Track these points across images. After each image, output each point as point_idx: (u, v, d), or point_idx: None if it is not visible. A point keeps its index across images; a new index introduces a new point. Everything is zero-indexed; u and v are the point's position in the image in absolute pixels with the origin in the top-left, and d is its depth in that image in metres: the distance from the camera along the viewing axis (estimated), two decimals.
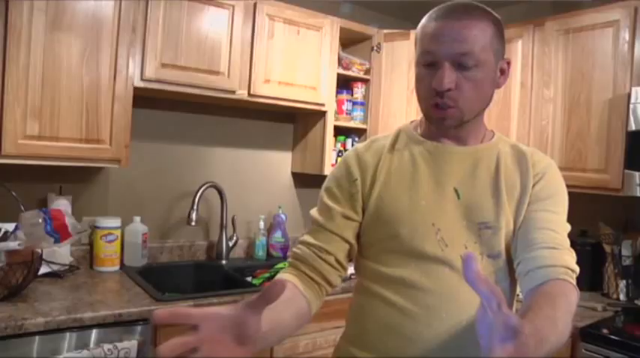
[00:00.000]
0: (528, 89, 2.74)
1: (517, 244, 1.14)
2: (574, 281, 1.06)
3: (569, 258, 1.09)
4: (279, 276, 1.16)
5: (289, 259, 1.23)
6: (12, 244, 1.86)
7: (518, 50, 2.76)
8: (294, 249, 1.23)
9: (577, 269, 1.08)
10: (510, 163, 1.20)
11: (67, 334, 1.79)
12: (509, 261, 1.15)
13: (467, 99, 1.11)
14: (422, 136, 1.24)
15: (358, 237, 1.23)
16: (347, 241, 1.21)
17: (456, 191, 1.16)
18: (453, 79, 1.09)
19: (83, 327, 1.82)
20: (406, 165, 1.20)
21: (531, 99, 2.73)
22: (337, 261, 1.20)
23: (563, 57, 2.58)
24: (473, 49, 1.08)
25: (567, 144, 2.57)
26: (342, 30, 2.94)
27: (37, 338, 1.74)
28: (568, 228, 1.16)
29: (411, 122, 1.31)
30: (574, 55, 2.55)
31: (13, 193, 2.06)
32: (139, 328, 1.93)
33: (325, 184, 1.28)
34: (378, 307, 1.15)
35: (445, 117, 1.13)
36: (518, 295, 1.19)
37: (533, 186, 1.16)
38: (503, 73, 1.18)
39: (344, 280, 1.25)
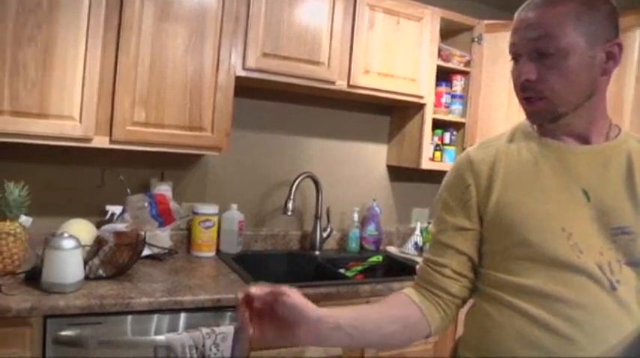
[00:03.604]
0: None
1: None
2: None
3: None
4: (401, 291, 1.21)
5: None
6: (120, 226, 1.95)
7: (636, 41, 2.56)
8: (417, 266, 1.25)
9: None
10: None
11: (167, 315, 1.85)
12: None
13: (554, 89, 1.04)
14: (538, 133, 1.16)
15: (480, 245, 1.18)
16: (462, 252, 1.17)
17: (585, 193, 1.06)
18: (532, 69, 1.05)
19: (182, 310, 1.87)
20: (527, 165, 1.13)
21: None
22: (454, 271, 1.17)
23: None
24: (548, 33, 1.03)
25: None
26: (442, 20, 2.86)
27: (136, 317, 1.81)
28: None
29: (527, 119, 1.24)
30: None
31: (121, 177, 2.15)
32: (235, 314, 1.95)
33: (439, 193, 1.26)
34: (510, 317, 1.07)
35: (535, 110, 1.09)
36: None
37: None
38: (613, 57, 1.07)
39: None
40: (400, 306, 1.15)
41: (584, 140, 1.12)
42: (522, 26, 1.07)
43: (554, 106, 1.06)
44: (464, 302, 1.20)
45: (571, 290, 1.01)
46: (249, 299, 0.97)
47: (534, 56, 1.05)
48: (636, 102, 2.57)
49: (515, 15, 1.11)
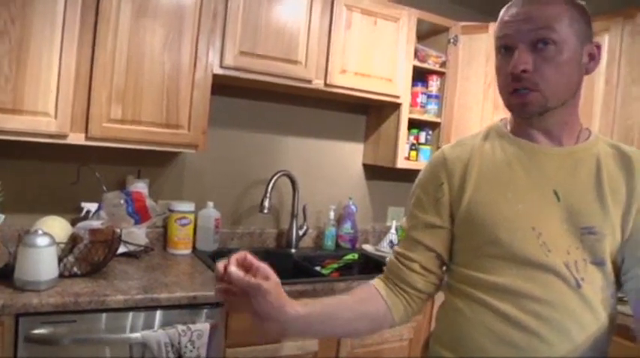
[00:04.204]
0: (614, 86, 2.60)
1: (626, 257, 1.07)
2: None
3: None
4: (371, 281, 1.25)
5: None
6: (96, 223, 1.94)
7: (605, 44, 2.62)
8: (387, 258, 1.28)
9: None
10: (613, 165, 1.12)
11: (142, 313, 1.84)
12: (613, 268, 1.08)
13: (548, 82, 1.06)
14: (512, 134, 1.18)
15: (451, 242, 1.21)
16: (431, 249, 1.20)
17: (555, 193, 1.09)
18: (529, 60, 1.05)
19: (158, 307, 1.87)
20: (500, 165, 1.15)
21: (617, 96, 2.59)
22: (423, 267, 1.20)
23: None
24: (547, 25, 1.05)
25: None
26: (419, 21, 2.89)
27: (113, 314, 1.80)
28: None
29: (501, 120, 1.26)
30: None
31: (97, 174, 2.14)
32: (211, 311, 1.96)
33: (412, 189, 1.29)
34: (481, 313, 1.10)
35: (526, 102, 1.08)
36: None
37: None
38: (593, 58, 1.11)
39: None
40: (368, 301, 1.19)
41: (557, 141, 1.15)
42: (519, 19, 1.08)
43: (545, 100, 1.08)
44: (430, 296, 1.24)
45: (539, 288, 1.05)
46: (226, 277, 0.98)
47: (531, 48, 1.06)
48: (605, 105, 2.63)
49: (504, 10, 1.13)
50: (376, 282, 1.24)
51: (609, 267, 1.07)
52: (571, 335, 1.03)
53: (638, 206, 1.07)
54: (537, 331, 1.03)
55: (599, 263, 1.06)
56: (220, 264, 0.99)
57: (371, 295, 1.20)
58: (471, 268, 1.14)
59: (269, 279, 1.00)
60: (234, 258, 1.00)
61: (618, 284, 1.09)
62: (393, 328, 1.23)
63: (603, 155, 1.13)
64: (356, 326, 1.17)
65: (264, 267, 1.02)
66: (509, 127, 1.21)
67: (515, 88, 1.09)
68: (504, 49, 1.11)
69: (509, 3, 1.13)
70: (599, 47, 1.12)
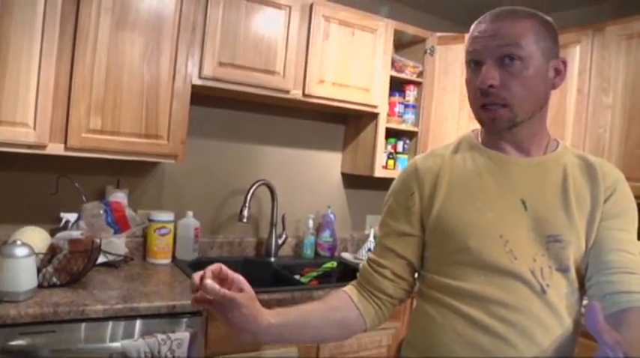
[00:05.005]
0: (585, 96, 2.68)
1: (589, 264, 1.10)
2: None
3: None
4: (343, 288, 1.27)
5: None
6: (75, 233, 1.94)
7: (576, 55, 2.70)
8: (360, 264, 1.32)
9: None
10: (579, 175, 1.16)
11: (122, 322, 1.85)
12: (578, 275, 1.12)
13: (515, 96, 1.09)
14: (483, 145, 1.22)
15: (422, 250, 1.24)
16: (402, 257, 1.23)
17: (523, 202, 1.13)
18: (496, 75, 1.09)
19: (138, 316, 1.88)
20: (470, 175, 1.19)
21: (588, 106, 2.67)
22: (395, 274, 1.23)
23: (624, 62, 2.51)
24: (513, 42, 1.08)
25: (626, 152, 2.50)
26: (396, 32, 2.95)
27: (92, 324, 1.80)
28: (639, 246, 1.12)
29: (473, 131, 1.30)
30: (637, 60, 2.47)
31: (76, 184, 2.14)
32: (191, 320, 1.97)
33: (386, 198, 1.33)
34: (451, 318, 1.13)
35: (495, 117, 1.12)
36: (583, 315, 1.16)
37: (605, 201, 1.13)
38: (559, 73, 1.15)
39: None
40: (340, 309, 1.21)
41: (526, 152, 1.18)
42: (487, 35, 1.11)
43: (514, 114, 1.11)
44: (400, 301, 1.27)
45: (506, 293, 1.08)
46: (202, 288, 0.99)
47: (498, 63, 1.10)
48: (577, 113, 2.70)
49: (474, 26, 1.16)
50: (348, 289, 1.26)
51: (574, 273, 1.11)
52: (536, 339, 1.07)
53: (602, 215, 1.12)
54: (505, 335, 1.07)
55: (564, 270, 1.10)
56: (196, 276, 1.00)
57: (343, 302, 1.22)
58: (441, 275, 1.17)
59: (243, 291, 1.03)
60: (209, 269, 1.01)
61: (583, 290, 1.13)
62: (366, 332, 1.26)
63: (570, 165, 1.17)
64: (328, 332, 1.21)
65: (240, 278, 1.04)
66: (480, 138, 1.25)
67: (484, 103, 1.12)
68: (473, 63, 1.14)
69: (479, 19, 1.17)
70: (565, 62, 1.16)
